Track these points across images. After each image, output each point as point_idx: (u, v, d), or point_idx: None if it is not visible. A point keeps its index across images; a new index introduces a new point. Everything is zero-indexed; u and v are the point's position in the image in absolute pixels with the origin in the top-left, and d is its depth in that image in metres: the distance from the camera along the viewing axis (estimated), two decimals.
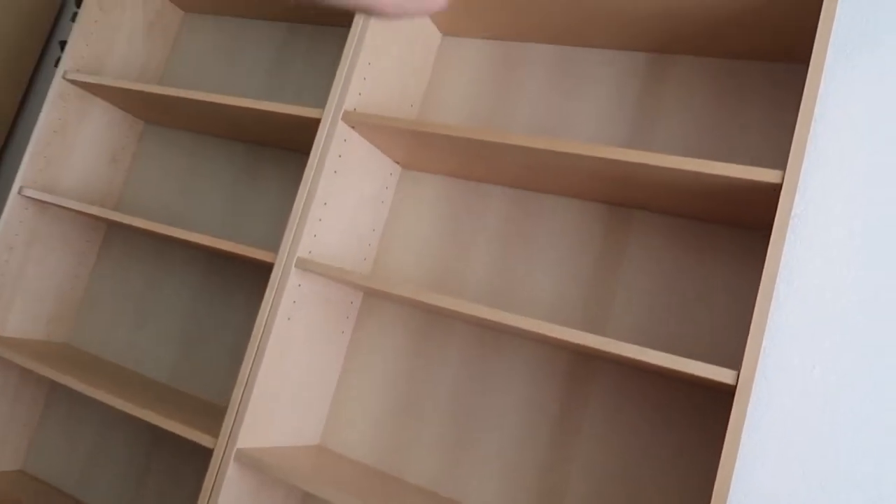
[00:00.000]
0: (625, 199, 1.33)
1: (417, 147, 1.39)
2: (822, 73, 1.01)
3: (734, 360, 1.24)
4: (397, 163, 1.57)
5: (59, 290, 1.87)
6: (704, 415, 1.24)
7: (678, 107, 1.39)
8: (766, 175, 1.00)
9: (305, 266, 1.31)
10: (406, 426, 1.46)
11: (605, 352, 1.05)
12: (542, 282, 1.42)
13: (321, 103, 1.76)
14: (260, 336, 1.30)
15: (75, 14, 1.79)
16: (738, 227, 1.28)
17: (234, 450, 1.26)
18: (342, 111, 1.36)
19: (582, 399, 1.33)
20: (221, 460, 1.27)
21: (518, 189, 1.49)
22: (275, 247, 1.70)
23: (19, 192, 1.71)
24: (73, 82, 1.76)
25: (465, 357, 1.45)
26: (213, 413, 1.53)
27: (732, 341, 1.25)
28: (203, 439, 1.29)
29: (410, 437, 1.45)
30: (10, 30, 2.10)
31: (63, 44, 1.80)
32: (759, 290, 0.95)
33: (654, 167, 1.08)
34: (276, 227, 1.72)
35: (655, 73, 1.43)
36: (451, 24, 1.59)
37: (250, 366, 1.29)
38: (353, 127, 1.38)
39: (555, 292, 1.40)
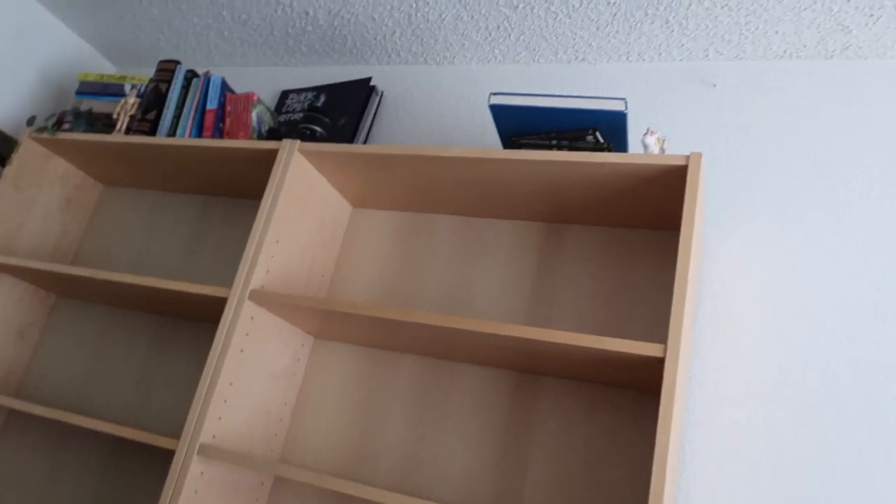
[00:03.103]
0: (529, 366, 1.35)
1: (326, 321, 1.40)
2: (690, 245, 1.09)
3: None
4: (309, 333, 1.57)
5: None
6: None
7: (575, 272, 1.45)
8: (649, 349, 1.04)
9: (208, 453, 1.26)
10: None
11: None
12: (454, 453, 1.40)
13: (231, 279, 1.77)
14: None
15: None
16: (647, 391, 1.31)
17: None
18: (248, 290, 1.37)
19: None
20: None
21: (428, 357, 1.50)
22: (179, 430, 1.64)
23: None
24: None
25: None
26: None
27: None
28: None
29: None
30: None
31: None
32: (654, 459, 0.96)
33: (547, 343, 1.11)
34: (186, 405, 1.67)
35: (551, 242, 1.50)
36: (361, 198, 1.65)
37: None
38: (260, 305, 1.39)
39: (466, 463, 1.38)
